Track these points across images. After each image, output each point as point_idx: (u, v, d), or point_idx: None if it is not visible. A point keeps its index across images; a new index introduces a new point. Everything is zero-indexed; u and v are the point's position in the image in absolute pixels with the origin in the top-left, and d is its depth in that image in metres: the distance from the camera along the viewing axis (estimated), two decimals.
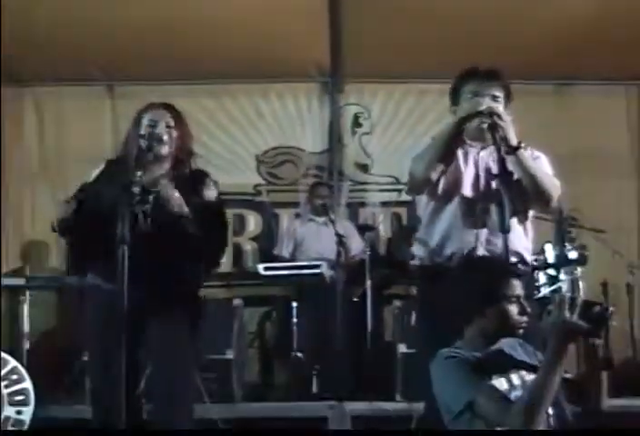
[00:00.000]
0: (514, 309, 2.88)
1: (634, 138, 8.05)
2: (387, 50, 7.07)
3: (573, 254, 6.09)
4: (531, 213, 3.81)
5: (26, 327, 6.18)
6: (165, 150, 3.91)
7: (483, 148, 3.78)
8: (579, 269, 6.18)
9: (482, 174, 3.75)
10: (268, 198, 8.13)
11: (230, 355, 5.98)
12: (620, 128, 8.03)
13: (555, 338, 2.60)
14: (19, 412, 5.38)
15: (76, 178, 7.65)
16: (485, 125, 3.58)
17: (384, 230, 7.95)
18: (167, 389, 3.84)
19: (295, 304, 6.51)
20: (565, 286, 6.07)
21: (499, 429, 2.70)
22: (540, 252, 6.26)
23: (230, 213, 7.58)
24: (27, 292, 6.26)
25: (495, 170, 3.61)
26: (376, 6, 6.62)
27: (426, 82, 7.74)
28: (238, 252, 7.99)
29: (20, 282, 6.30)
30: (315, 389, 6.34)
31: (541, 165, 3.76)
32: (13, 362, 5.48)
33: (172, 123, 3.95)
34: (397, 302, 6.42)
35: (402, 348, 6.00)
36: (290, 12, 6.63)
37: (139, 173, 3.71)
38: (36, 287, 6.43)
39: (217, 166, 7.65)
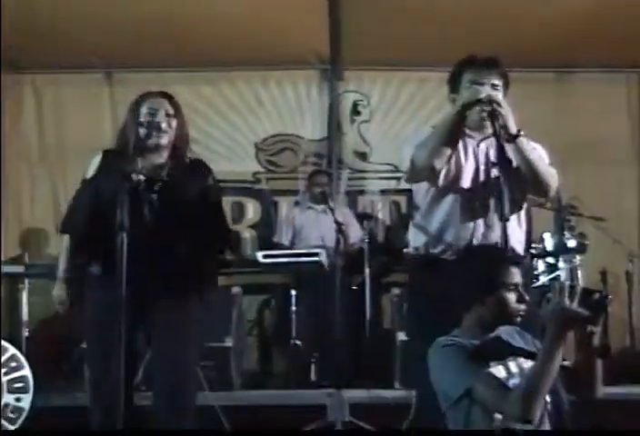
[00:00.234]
0: (512, 297, 2.88)
1: (634, 126, 8.04)
2: (387, 37, 7.05)
3: (572, 243, 6.10)
4: (525, 204, 3.81)
5: (25, 315, 6.18)
6: (164, 138, 3.90)
7: (482, 140, 3.78)
8: (578, 257, 6.19)
9: (481, 167, 3.75)
10: (267, 186, 8.12)
11: (229, 343, 6.00)
12: (620, 116, 8.01)
13: (553, 325, 2.60)
14: (18, 400, 5.39)
15: (75, 165, 7.72)
16: (485, 113, 3.58)
17: (383, 218, 7.94)
18: (172, 376, 3.85)
19: (293, 292, 6.53)
20: (563, 274, 6.09)
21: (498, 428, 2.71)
22: (539, 240, 6.27)
23: (229, 200, 7.60)
24: (26, 280, 6.27)
25: (494, 159, 3.60)
26: None
27: (426, 70, 7.72)
28: (237, 240, 7.98)
29: (19, 269, 6.31)
30: (313, 377, 6.36)
31: (539, 155, 3.76)
32: (12, 350, 5.49)
33: (171, 112, 3.94)
34: (396, 290, 6.43)
35: (401, 336, 6.00)
36: None
37: (140, 161, 3.74)
38: (35, 275, 6.43)
39: (216, 154, 7.67)
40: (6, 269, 6.30)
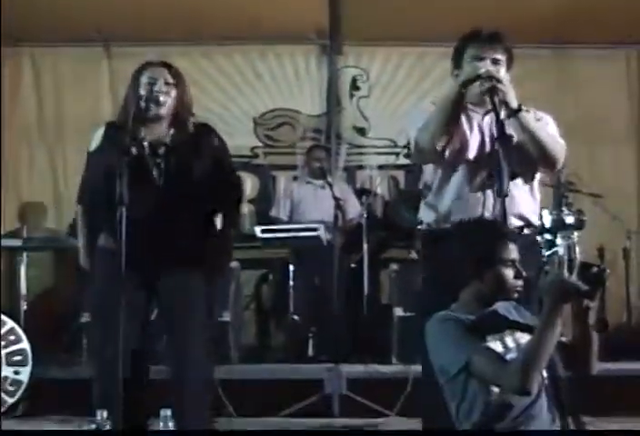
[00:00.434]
0: (509, 272, 2.88)
1: (633, 103, 8.02)
2: (386, 12, 7.02)
3: (570, 219, 6.09)
4: (537, 176, 3.80)
5: (24, 288, 6.20)
6: (165, 106, 3.92)
7: (487, 113, 3.75)
8: (576, 233, 6.19)
9: (487, 140, 3.73)
10: (265, 161, 8.11)
11: (227, 317, 6.02)
12: (620, 92, 8.00)
13: (552, 297, 2.60)
14: (17, 372, 5.42)
15: (73, 138, 7.71)
16: (484, 89, 3.56)
17: (381, 193, 7.93)
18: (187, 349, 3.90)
19: (291, 267, 6.53)
20: (561, 250, 6.09)
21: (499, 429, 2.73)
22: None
23: None
24: (24, 254, 6.27)
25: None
26: None
27: (425, 45, 7.70)
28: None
29: (17, 243, 6.32)
30: (311, 351, 6.38)
31: (545, 126, 3.74)
32: (10, 323, 5.51)
33: (171, 81, 3.96)
34: (394, 266, 6.44)
35: (398, 311, 6.02)
36: None
37: (142, 130, 3.80)
38: (34, 248, 6.44)
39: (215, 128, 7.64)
40: (5, 242, 6.31)
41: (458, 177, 3.72)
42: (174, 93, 3.94)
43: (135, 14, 6.98)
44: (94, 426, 2.77)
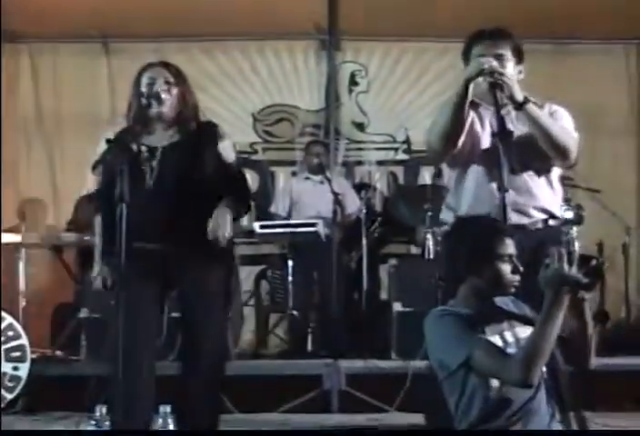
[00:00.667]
0: (506, 268, 2.88)
1: (632, 97, 8.02)
2: (385, 7, 7.02)
3: (569, 214, 6.10)
4: (555, 170, 3.78)
5: (22, 284, 6.20)
6: (165, 106, 3.92)
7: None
8: (575, 228, 6.19)
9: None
10: (264, 156, 8.11)
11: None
12: (619, 87, 7.99)
13: (552, 290, 2.61)
14: (16, 368, 5.42)
15: (72, 135, 7.70)
16: (488, 84, 3.55)
17: (380, 189, 7.93)
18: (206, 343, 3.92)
19: (290, 263, 6.53)
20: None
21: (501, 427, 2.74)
22: None
23: None
24: (23, 250, 6.27)
25: (510, 126, 3.57)
26: None
27: (424, 40, 7.70)
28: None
29: (16, 239, 6.31)
30: (310, 347, 6.38)
31: (558, 119, 3.73)
32: (9, 319, 5.51)
33: (171, 80, 3.96)
34: (393, 261, 6.44)
35: (397, 306, 6.02)
36: None
37: (145, 131, 3.84)
38: (32, 245, 6.44)
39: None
40: (4, 239, 6.30)
41: (473, 176, 3.70)
42: (175, 91, 3.95)
43: (133, 11, 6.98)
44: (93, 422, 2.76)
